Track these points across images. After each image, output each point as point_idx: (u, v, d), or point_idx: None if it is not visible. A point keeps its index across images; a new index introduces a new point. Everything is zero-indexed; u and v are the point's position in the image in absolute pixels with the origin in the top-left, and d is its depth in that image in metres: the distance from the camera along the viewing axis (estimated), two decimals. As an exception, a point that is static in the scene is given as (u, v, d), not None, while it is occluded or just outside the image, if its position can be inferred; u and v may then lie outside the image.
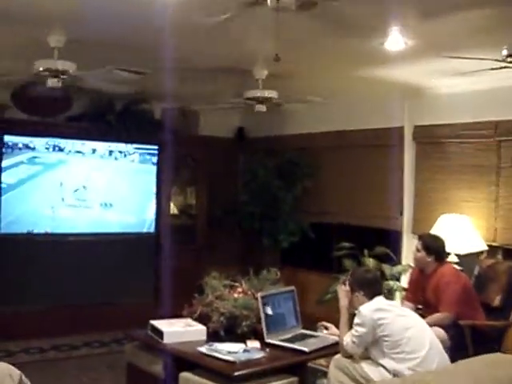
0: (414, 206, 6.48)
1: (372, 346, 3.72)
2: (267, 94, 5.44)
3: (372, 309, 3.73)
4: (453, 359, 4.52)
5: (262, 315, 4.18)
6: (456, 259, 5.64)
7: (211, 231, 7.47)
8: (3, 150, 6.27)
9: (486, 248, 5.66)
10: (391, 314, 3.71)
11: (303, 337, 4.32)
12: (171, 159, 6.96)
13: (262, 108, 5.56)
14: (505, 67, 3.98)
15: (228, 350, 3.88)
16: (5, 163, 6.30)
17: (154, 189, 7.12)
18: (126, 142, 6.80)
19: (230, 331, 4.24)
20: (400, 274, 6.12)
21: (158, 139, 6.88)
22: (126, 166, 7.03)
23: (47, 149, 6.51)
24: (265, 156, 7.37)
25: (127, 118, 6.58)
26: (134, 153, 6.99)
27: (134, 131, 6.56)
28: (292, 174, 7.26)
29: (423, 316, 4.91)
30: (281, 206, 7.14)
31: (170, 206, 7.19)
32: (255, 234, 7.39)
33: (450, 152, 6.11)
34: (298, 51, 4.64)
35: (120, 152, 6.91)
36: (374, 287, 3.89)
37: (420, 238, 5.09)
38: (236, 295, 4.41)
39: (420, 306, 5.16)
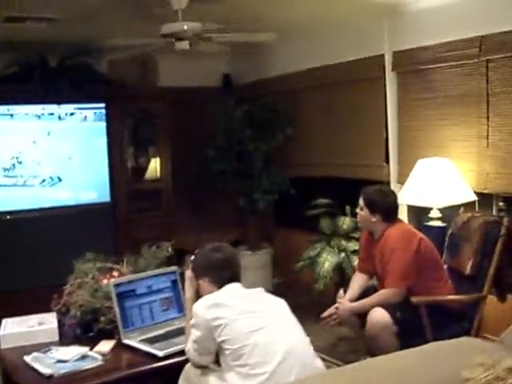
0: (398, 150, 5.36)
1: (220, 355, 2.69)
2: (186, 26, 4.39)
3: (207, 305, 2.69)
4: (404, 348, 3.58)
5: (117, 309, 3.27)
6: (439, 214, 4.58)
7: (182, 195, 6.55)
8: None
9: (475, 198, 4.53)
10: (233, 312, 2.63)
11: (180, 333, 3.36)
12: (122, 117, 6.09)
13: (185, 46, 4.57)
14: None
15: (59, 358, 3.03)
16: None
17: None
18: (60, 102, 5.77)
19: (89, 329, 3.39)
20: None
21: (104, 96, 5.93)
22: (77, 127, 5.94)
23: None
24: (235, 104, 6.34)
25: (61, 74, 5.67)
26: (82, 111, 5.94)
27: (68, 89, 5.63)
28: (268, 122, 6.21)
29: (376, 290, 3.95)
30: (253, 160, 6.12)
31: (126, 169, 6.26)
32: (233, 196, 6.44)
33: (434, 81, 4.95)
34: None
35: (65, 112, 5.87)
36: (223, 271, 2.82)
37: (362, 192, 4.02)
38: (106, 281, 3.52)
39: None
